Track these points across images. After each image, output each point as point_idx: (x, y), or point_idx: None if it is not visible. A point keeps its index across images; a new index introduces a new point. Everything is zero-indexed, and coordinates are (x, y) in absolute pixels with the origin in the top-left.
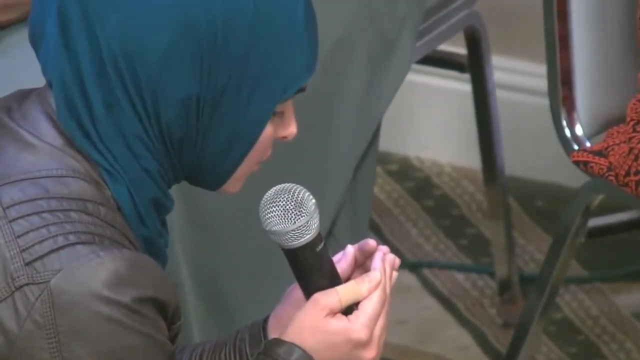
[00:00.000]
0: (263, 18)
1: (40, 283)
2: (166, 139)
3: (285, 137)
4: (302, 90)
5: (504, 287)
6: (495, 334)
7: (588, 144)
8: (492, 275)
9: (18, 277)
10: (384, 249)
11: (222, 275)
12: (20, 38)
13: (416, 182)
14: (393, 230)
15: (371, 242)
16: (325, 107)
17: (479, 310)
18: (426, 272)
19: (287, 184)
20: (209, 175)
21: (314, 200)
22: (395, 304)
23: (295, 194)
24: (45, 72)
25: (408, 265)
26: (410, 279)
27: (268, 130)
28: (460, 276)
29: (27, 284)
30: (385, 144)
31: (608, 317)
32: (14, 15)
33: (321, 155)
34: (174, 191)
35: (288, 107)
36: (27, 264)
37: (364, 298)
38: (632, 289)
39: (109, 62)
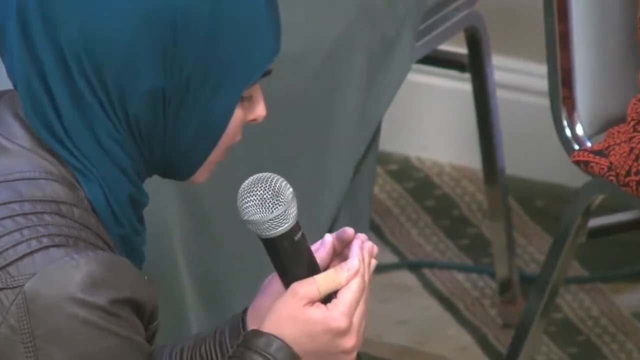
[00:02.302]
0: (224, 5)
1: (15, 287)
2: (135, 134)
3: (254, 120)
4: (268, 73)
5: (505, 287)
6: (496, 334)
7: (588, 144)
8: (492, 275)
9: None
10: (362, 236)
11: (221, 275)
12: None
13: (416, 182)
14: (393, 230)
15: (349, 231)
16: (325, 107)
17: (479, 310)
18: (426, 272)
19: (264, 174)
20: (180, 165)
21: (291, 189)
22: (395, 304)
23: (272, 183)
24: (9, 74)
25: (408, 265)
26: (411, 279)
27: (237, 115)
28: (460, 276)
29: (1, 289)
30: (385, 144)
31: (609, 317)
32: None
33: (321, 155)
34: (174, 191)
35: (256, 90)
36: (0, 269)
37: (343, 286)
38: (633, 289)
39: (72, 60)
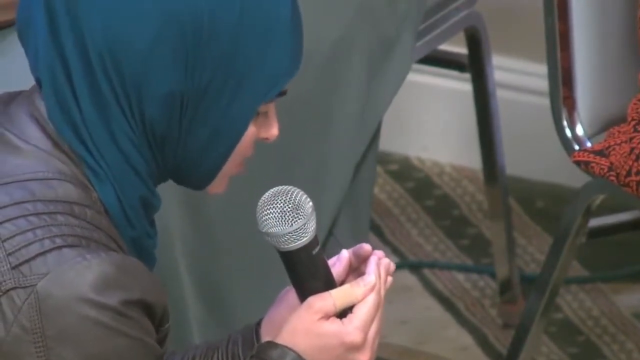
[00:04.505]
0: (249, 17)
1: (27, 287)
2: (149, 136)
3: (266, 139)
4: (283, 93)
5: (505, 287)
6: (496, 334)
7: (589, 144)
8: (492, 275)
9: (4, 281)
10: (379, 253)
11: (222, 276)
12: None
13: (416, 182)
14: (393, 230)
15: (366, 247)
16: (325, 108)
17: (479, 310)
18: (427, 272)
19: (285, 186)
20: (192, 174)
21: (311, 203)
22: (396, 304)
23: (293, 196)
24: (34, 69)
25: (408, 265)
26: (411, 279)
27: (250, 130)
28: (460, 276)
29: (13, 288)
30: (386, 144)
31: (609, 317)
32: (15, 15)
33: (321, 155)
34: (174, 193)
35: (271, 108)
36: (13, 268)
37: (359, 302)
38: (633, 290)
39: (95, 57)
